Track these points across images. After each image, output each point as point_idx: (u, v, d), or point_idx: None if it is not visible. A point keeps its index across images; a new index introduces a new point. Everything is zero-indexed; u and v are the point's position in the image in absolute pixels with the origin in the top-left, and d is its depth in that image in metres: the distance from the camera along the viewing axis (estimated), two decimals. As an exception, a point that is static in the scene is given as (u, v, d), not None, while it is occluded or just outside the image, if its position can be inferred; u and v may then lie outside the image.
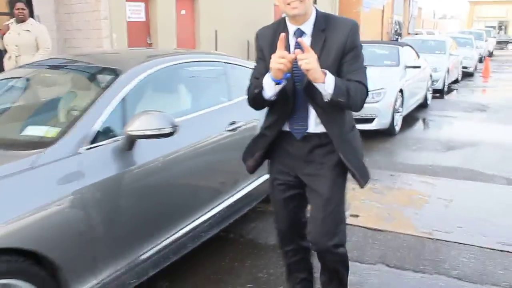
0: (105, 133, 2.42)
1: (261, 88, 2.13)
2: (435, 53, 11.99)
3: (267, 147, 2.32)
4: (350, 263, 2.71)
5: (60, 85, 3.01)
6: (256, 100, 2.22)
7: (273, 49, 2.11)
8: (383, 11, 27.05)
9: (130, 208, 2.45)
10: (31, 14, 11.16)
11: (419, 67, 8.37)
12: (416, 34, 24.43)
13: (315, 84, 2.03)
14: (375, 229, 3.72)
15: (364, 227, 3.76)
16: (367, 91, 2.18)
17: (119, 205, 2.37)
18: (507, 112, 9.25)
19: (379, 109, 6.68)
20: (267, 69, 2.14)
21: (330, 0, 20.66)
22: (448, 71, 11.90)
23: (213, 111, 3.22)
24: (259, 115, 3.54)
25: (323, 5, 19.53)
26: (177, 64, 3.09)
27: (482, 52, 21.70)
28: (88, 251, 2.22)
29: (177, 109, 3.11)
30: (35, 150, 2.16)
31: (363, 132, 6.10)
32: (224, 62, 3.63)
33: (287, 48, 2.16)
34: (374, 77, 6.92)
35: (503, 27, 46.33)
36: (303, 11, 2.11)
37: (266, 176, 2.96)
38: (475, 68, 17.21)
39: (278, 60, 1.99)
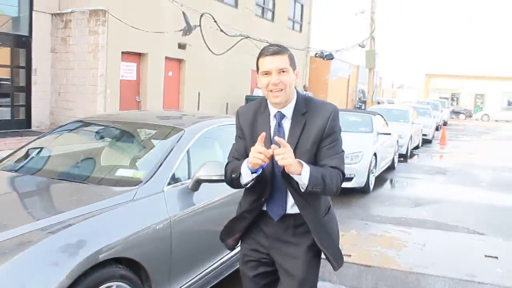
0: (177, 177, 3.19)
1: (238, 174, 2.16)
2: (399, 121, 13.30)
3: (246, 228, 2.34)
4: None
5: (135, 138, 3.78)
6: (233, 183, 2.25)
7: (252, 129, 2.25)
8: (348, 80, 29.02)
9: (194, 234, 3.18)
10: (29, 67, 11.93)
11: (389, 133, 9.52)
12: (378, 102, 26.17)
13: (292, 175, 2.06)
14: (366, 265, 4.53)
15: (357, 263, 4.57)
16: (343, 177, 2.20)
17: (188, 232, 3.10)
18: (463, 175, 10.43)
19: (357, 170, 7.63)
20: (245, 148, 2.26)
21: (302, 68, 22.19)
22: (411, 138, 13.18)
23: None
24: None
25: (296, 72, 21.01)
26: (220, 125, 3.91)
27: (438, 121, 23.55)
28: (167, 266, 2.93)
29: (224, 160, 3.89)
30: (133, 187, 2.91)
31: (342, 190, 7.03)
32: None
33: (268, 129, 2.21)
34: (352, 141, 8.02)
35: (455, 98, 49.71)
36: (284, 99, 2.17)
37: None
38: (433, 136, 18.75)
39: (257, 155, 2.00)
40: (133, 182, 3.00)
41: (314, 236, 2.20)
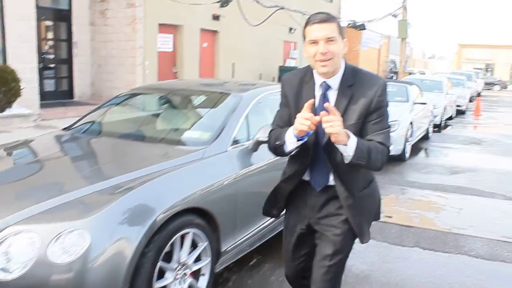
0: (237, 139, 3.47)
1: (283, 142, 2.14)
2: (434, 92, 13.26)
3: (288, 197, 2.37)
4: (394, 248, 3.76)
5: (196, 104, 4.08)
6: (277, 151, 2.25)
7: (297, 98, 2.20)
8: (379, 50, 28.71)
9: (253, 192, 3.48)
10: (70, 40, 12.33)
11: (425, 103, 9.59)
12: (410, 73, 25.87)
13: (337, 145, 2.03)
14: (407, 226, 4.78)
15: (397, 224, 4.82)
16: (388, 153, 2.17)
17: (249, 188, 3.40)
18: (499, 145, 10.46)
19: (394, 137, 7.79)
20: (289, 116, 2.22)
21: (333, 38, 22.03)
22: (445, 108, 13.17)
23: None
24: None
25: (327, 43, 20.94)
26: (272, 92, 4.16)
27: (472, 92, 23.22)
28: (233, 218, 3.24)
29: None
30: (201, 147, 3.21)
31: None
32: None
33: (314, 98, 2.16)
34: (390, 110, 8.14)
35: (489, 69, 48.57)
36: (332, 68, 2.10)
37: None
38: (467, 107, 18.57)
39: (303, 122, 1.97)
40: (200, 143, 3.30)
41: (345, 210, 2.20)
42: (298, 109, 2.10)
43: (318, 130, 2.07)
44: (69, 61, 12.60)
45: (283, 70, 16.85)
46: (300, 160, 2.23)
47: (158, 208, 2.59)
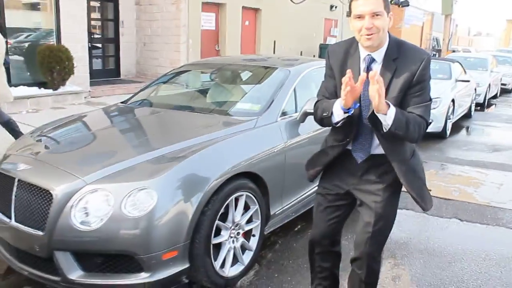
0: (286, 111, 3.71)
1: (330, 113, 2.21)
2: (478, 70, 13.04)
3: (328, 163, 2.43)
4: (432, 218, 3.94)
5: (246, 78, 4.35)
6: (323, 122, 2.32)
7: (342, 69, 2.23)
8: (422, 27, 28.08)
9: (300, 161, 3.70)
10: (117, 20, 12.74)
11: (468, 81, 9.52)
12: (453, 51, 25.24)
13: (377, 114, 2.08)
14: (446, 198, 4.93)
15: (437, 196, 4.97)
16: (427, 125, 2.22)
17: (296, 157, 3.63)
18: (544, 125, 10.29)
19: (435, 115, 7.82)
20: (335, 87, 2.31)
21: (374, 15, 21.74)
22: (489, 87, 12.94)
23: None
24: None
25: (368, 20, 20.69)
26: (318, 67, 4.35)
27: (519, 71, 22.48)
28: (281, 184, 3.50)
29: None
30: (253, 117, 3.46)
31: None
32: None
33: (357, 72, 2.20)
34: (432, 87, 8.18)
35: (539, 46, 46.59)
36: (376, 42, 2.15)
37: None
38: (513, 85, 18.08)
39: (345, 89, 2.04)
40: (253, 114, 3.56)
41: (401, 178, 2.24)
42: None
43: (362, 104, 2.19)
44: (115, 40, 13.05)
45: (323, 47, 16.84)
46: (344, 132, 2.28)
47: (216, 171, 2.88)
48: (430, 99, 2.25)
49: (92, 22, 12.60)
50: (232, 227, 3.07)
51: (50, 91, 9.32)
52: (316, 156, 2.50)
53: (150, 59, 13.19)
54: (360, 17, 2.13)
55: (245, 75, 4.38)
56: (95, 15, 12.76)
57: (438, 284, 3.23)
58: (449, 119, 8.43)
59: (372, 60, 2.21)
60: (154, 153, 2.92)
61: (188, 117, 3.71)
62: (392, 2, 19.47)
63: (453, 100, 8.51)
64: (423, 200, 2.32)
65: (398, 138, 2.17)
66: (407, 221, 4.31)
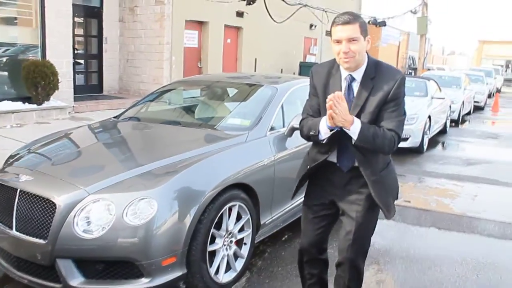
0: (274, 126, 3.91)
1: (317, 132, 2.37)
2: (452, 87, 13.52)
3: (312, 175, 2.60)
4: (412, 227, 4.18)
5: (233, 94, 4.54)
6: (310, 139, 2.49)
7: (325, 88, 2.43)
8: (399, 46, 28.85)
9: (288, 173, 3.90)
10: (100, 36, 12.85)
11: (443, 98, 9.92)
12: (428, 69, 25.95)
13: (344, 129, 2.28)
14: (424, 209, 5.19)
15: (415, 207, 5.23)
16: (399, 138, 2.36)
17: (284, 170, 3.82)
18: (516, 140, 10.74)
19: (412, 131, 8.16)
20: (318, 105, 2.49)
21: (352, 34, 22.31)
22: (463, 104, 13.42)
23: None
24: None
25: (347, 39, 21.20)
26: (302, 85, 4.58)
27: (491, 88, 23.27)
28: (270, 195, 3.68)
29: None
30: (244, 131, 3.65)
31: (398, 149, 7.56)
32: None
33: (339, 90, 2.38)
34: (409, 104, 8.53)
35: (510, 65, 48.08)
36: (353, 64, 2.33)
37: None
38: (485, 103, 18.70)
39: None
40: (243, 128, 3.75)
41: (370, 187, 2.40)
42: (327, 96, 2.29)
43: None
44: (99, 57, 13.13)
45: (303, 65, 17.21)
46: (328, 144, 2.43)
47: (212, 182, 3.05)
48: (404, 114, 2.41)
49: (76, 38, 12.65)
50: (226, 236, 3.23)
51: (34, 106, 9.35)
52: (300, 171, 2.67)
53: (133, 75, 13.31)
54: (338, 41, 2.31)
55: (232, 92, 4.58)
56: (79, 31, 12.83)
57: (419, 287, 3.43)
58: (426, 134, 8.77)
59: (352, 79, 2.38)
60: (152, 165, 3.08)
61: (183, 131, 3.88)
62: (370, 22, 20.03)
63: (429, 117, 8.86)
64: (388, 210, 2.50)
65: (369, 150, 2.35)
66: (389, 230, 4.52)
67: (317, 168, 2.54)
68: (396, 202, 4.95)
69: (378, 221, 4.45)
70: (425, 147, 8.76)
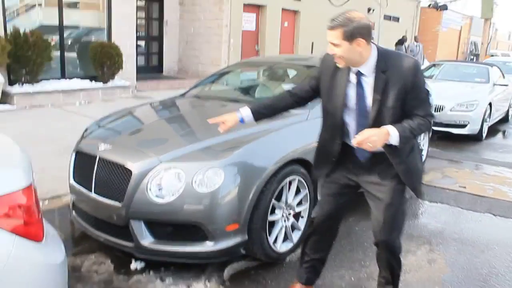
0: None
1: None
2: (515, 74, 13.01)
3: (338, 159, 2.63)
4: (466, 212, 4.21)
5: (293, 76, 4.72)
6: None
7: (330, 81, 2.50)
8: (460, 31, 27.81)
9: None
10: (161, 19, 13.26)
11: (506, 85, 9.61)
12: (492, 55, 24.91)
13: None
14: (479, 195, 5.17)
15: (470, 193, 5.21)
16: (432, 117, 2.43)
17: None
18: None
19: (471, 117, 8.02)
20: (311, 89, 2.66)
21: (412, 19, 21.81)
22: (527, 92, 12.89)
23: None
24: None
25: (406, 24, 20.74)
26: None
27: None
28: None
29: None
30: (306, 110, 3.79)
31: (455, 136, 7.46)
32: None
33: (345, 81, 2.43)
34: (469, 91, 8.41)
35: None
36: (345, 65, 2.38)
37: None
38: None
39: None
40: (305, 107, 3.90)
41: (398, 172, 2.47)
42: (331, 89, 2.49)
43: (358, 111, 2.43)
44: (159, 39, 13.61)
45: (360, 50, 17.00)
46: (331, 131, 2.61)
47: (274, 156, 3.26)
48: (428, 94, 2.44)
49: (138, 21, 13.17)
50: (285, 207, 3.43)
51: (100, 84, 9.89)
52: (320, 157, 2.75)
53: (191, 57, 13.69)
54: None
55: (291, 73, 4.74)
56: (141, 14, 13.32)
57: (470, 268, 3.51)
58: (486, 122, 8.58)
59: (360, 73, 2.40)
60: (220, 138, 3.30)
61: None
62: (430, 5, 19.48)
63: (490, 104, 8.65)
64: (416, 192, 2.58)
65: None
66: (442, 213, 4.58)
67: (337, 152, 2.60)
68: (450, 187, 5.06)
69: (432, 204, 4.59)
70: (484, 134, 8.58)
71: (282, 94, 2.84)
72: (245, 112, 2.72)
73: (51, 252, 1.87)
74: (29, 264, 1.72)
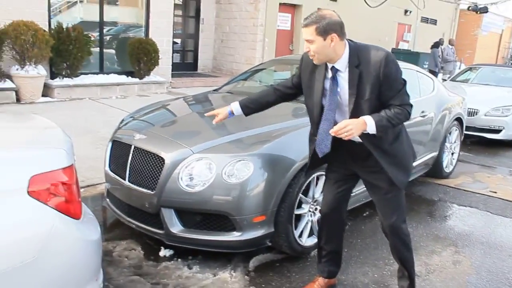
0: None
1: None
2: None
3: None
4: (495, 217, 4.23)
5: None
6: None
7: (310, 78, 2.62)
8: (501, 35, 27.10)
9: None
10: (198, 17, 13.46)
11: (546, 90, 9.37)
12: (533, 61, 24.16)
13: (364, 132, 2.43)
14: (510, 201, 5.09)
15: (502, 198, 5.15)
16: (411, 106, 2.52)
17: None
18: None
19: (507, 122, 7.87)
20: (293, 85, 2.82)
21: (450, 22, 21.41)
22: None
23: (414, 102, 4.77)
24: (436, 109, 5.07)
25: (443, 27, 20.39)
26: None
27: None
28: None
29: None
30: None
31: (489, 141, 7.33)
32: (416, 71, 5.20)
33: (322, 77, 2.55)
34: (505, 95, 8.24)
35: None
36: (319, 61, 2.48)
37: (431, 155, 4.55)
38: None
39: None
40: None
41: (379, 161, 2.56)
42: (310, 87, 2.63)
43: (328, 107, 2.54)
44: (195, 36, 13.83)
45: (396, 52, 16.82)
46: (312, 128, 2.76)
47: (303, 151, 3.28)
48: (404, 82, 2.50)
49: (175, 19, 13.41)
50: (312, 202, 3.49)
51: (136, 79, 10.15)
52: (310, 152, 2.85)
53: (226, 55, 13.86)
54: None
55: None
56: (178, 12, 13.57)
57: (497, 272, 3.49)
58: (523, 127, 8.39)
59: (336, 70, 2.50)
60: (250, 132, 3.40)
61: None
62: (470, 8, 19.09)
63: (527, 109, 8.46)
64: (397, 180, 2.62)
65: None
66: (470, 217, 4.55)
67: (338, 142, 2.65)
68: (481, 191, 5.02)
69: (461, 207, 4.57)
70: (520, 141, 8.41)
71: (268, 89, 3.04)
72: (235, 106, 3.00)
73: (88, 230, 2.00)
74: (68, 239, 1.86)
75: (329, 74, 2.53)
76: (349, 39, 2.55)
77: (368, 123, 2.40)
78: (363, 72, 2.42)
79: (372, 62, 2.41)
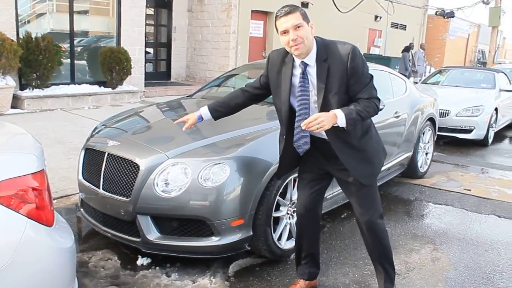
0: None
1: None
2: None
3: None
4: (470, 213, 4.25)
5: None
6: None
7: (277, 77, 2.62)
8: (467, 39, 27.82)
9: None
10: (170, 26, 13.40)
11: (512, 91, 9.63)
12: (499, 63, 24.85)
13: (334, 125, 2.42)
14: (484, 198, 5.18)
15: (475, 196, 5.23)
16: (379, 100, 2.53)
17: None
18: None
19: (477, 122, 8.04)
20: (262, 85, 2.80)
21: (419, 27, 21.86)
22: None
23: (387, 103, 4.81)
24: (409, 109, 5.13)
25: (413, 32, 20.80)
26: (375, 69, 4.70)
27: None
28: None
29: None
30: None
31: (461, 140, 7.48)
32: (388, 73, 5.26)
33: (289, 76, 2.55)
34: (474, 96, 8.43)
35: None
36: (304, 50, 2.43)
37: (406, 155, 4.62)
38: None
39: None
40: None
41: (340, 157, 2.57)
42: (278, 85, 2.62)
43: (299, 107, 2.55)
44: (167, 45, 13.75)
45: (367, 57, 17.06)
46: (281, 127, 2.77)
47: (277, 152, 3.28)
48: (371, 77, 2.52)
49: (147, 28, 13.31)
50: (290, 205, 3.47)
51: (109, 89, 10.01)
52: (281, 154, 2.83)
53: (199, 63, 13.82)
54: (285, 32, 2.42)
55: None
56: (150, 20, 13.48)
57: (474, 267, 3.53)
58: (492, 127, 8.58)
59: (306, 64, 2.49)
60: (224, 135, 3.37)
61: (251, 107, 4.15)
62: (437, 13, 19.54)
63: (496, 109, 8.66)
64: (360, 177, 2.63)
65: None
66: (447, 215, 4.61)
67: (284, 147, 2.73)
68: (455, 189, 5.10)
69: (437, 206, 4.62)
70: (490, 140, 8.58)
71: (236, 91, 3.00)
72: (204, 110, 2.99)
73: (61, 237, 1.93)
74: (40, 247, 1.79)
75: (297, 71, 2.53)
76: (316, 36, 2.55)
77: (339, 116, 2.40)
78: (331, 66, 2.43)
79: (340, 55, 2.42)
